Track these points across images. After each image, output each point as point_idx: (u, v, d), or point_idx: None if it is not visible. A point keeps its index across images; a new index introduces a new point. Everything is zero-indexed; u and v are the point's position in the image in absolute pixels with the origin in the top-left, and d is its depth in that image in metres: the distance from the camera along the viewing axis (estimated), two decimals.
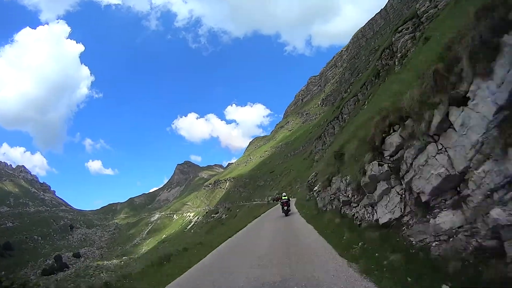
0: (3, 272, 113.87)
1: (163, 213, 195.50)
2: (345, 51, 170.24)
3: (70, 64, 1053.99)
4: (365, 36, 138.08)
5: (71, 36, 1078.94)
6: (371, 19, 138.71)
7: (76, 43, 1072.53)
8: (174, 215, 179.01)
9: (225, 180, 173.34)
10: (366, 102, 41.49)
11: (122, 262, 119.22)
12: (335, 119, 72.94)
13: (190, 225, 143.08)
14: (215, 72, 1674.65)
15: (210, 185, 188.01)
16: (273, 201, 59.12)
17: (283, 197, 22.71)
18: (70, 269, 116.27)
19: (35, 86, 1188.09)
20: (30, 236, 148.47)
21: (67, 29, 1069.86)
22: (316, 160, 76.53)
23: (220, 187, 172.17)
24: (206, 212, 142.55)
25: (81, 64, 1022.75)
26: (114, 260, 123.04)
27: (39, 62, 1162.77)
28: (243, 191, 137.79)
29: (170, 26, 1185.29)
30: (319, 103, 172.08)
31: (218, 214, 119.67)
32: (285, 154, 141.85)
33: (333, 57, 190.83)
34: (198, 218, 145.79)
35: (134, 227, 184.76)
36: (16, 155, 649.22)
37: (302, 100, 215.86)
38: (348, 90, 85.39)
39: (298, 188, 64.89)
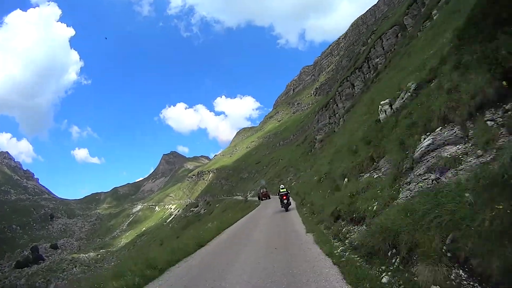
0: None
1: (145, 204, 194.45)
2: (343, 38, 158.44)
3: (60, 48, 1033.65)
4: (366, 23, 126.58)
5: (61, 19, 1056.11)
6: (373, 6, 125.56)
7: (67, 26, 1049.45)
8: (156, 207, 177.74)
9: (209, 172, 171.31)
10: (431, 16, 27.44)
11: (99, 256, 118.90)
12: (356, 71, 52.21)
13: (170, 218, 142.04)
14: (206, 62, 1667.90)
15: (194, 176, 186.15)
16: (258, 198, 42.73)
17: (281, 190, 20.77)
18: (45, 261, 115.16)
19: (22, 69, 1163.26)
20: (8, 226, 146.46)
21: (57, 12, 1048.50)
22: (320, 140, 58.10)
23: (203, 179, 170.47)
24: (186, 205, 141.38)
25: (71, 48, 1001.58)
26: (91, 253, 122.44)
27: (27, 45, 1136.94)
28: (225, 184, 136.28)
29: (162, 13, 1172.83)
30: (312, 92, 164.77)
31: (197, 208, 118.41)
32: (273, 144, 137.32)
33: (329, 46, 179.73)
34: (178, 211, 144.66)
35: (115, 218, 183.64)
36: (1, 141, 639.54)
37: (293, 90, 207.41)
38: (371, 38, 60.19)
39: (292, 181, 50.38)
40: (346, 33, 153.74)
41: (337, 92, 56.73)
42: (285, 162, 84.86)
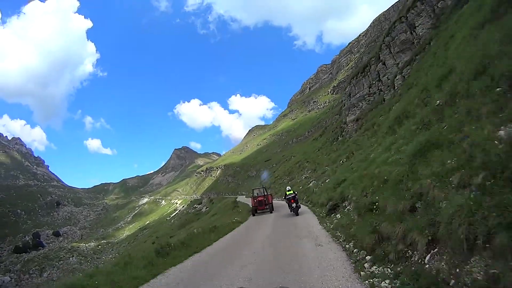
0: None
1: (152, 197, 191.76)
2: (363, 36, 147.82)
3: (76, 40, 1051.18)
4: (388, 19, 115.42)
5: (79, 11, 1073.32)
6: (396, 2, 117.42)
7: (84, 18, 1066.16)
8: (163, 201, 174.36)
9: (217, 168, 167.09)
10: None
11: (99, 246, 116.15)
12: (417, 5, 32.79)
13: (174, 213, 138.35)
14: (222, 60, 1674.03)
15: (202, 172, 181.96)
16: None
17: (287, 192, 18.99)
18: (45, 248, 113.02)
19: (38, 59, 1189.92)
20: (13, 210, 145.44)
21: (75, 3, 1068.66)
22: (355, 120, 41.45)
23: (211, 175, 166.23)
24: (191, 201, 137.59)
25: (88, 40, 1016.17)
26: (92, 243, 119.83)
27: (44, 36, 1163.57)
28: (231, 181, 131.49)
29: (179, 10, 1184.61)
30: (330, 90, 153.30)
31: (200, 206, 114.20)
32: (286, 142, 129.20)
33: (349, 44, 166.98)
34: (183, 207, 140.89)
35: (121, 209, 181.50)
36: (16, 128, 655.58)
37: (309, 88, 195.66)
38: None
39: (309, 180, 35.66)
40: (367, 30, 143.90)
41: (383, 45, 37.53)
42: (299, 157, 70.51)
